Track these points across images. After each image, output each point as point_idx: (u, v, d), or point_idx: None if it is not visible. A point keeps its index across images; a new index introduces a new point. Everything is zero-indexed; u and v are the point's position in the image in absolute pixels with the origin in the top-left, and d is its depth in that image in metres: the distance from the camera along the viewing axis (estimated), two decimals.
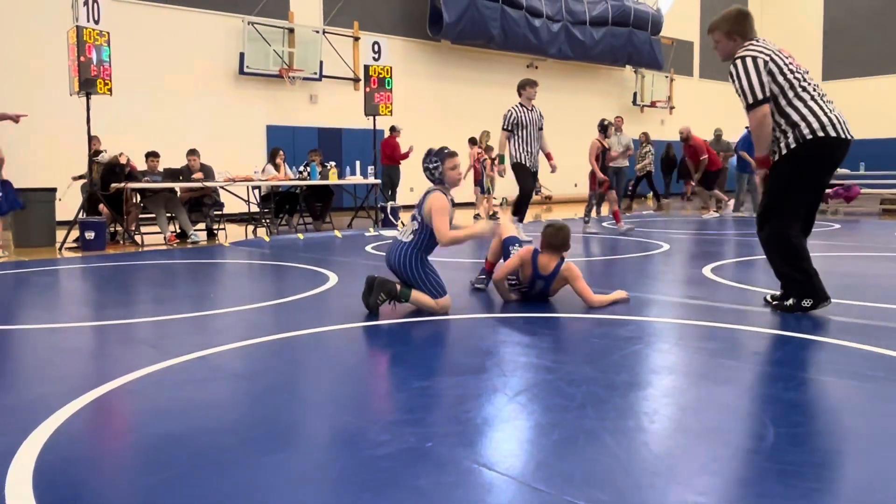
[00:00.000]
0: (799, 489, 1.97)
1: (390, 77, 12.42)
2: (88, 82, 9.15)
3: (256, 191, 11.36)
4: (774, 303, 4.51)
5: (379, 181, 12.81)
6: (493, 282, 5.03)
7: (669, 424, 2.51)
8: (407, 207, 16.85)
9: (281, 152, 11.38)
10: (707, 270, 6.22)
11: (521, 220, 9.07)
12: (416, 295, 4.53)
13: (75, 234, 9.14)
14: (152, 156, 10.21)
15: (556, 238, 4.76)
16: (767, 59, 4.19)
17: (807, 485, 1.99)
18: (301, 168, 11.29)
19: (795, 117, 4.17)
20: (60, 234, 9.38)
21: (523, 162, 8.93)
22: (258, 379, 3.20)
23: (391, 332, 4.12)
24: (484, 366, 3.29)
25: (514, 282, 4.91)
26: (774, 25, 27.90)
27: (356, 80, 17.23)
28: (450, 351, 3.74)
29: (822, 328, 4.01)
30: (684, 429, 2.47)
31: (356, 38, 17.39)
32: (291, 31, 16.34)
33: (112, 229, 9.81)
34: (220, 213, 10.83)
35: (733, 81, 4.27)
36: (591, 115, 19.09)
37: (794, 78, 4.23)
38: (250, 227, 11.09)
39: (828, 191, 15.25)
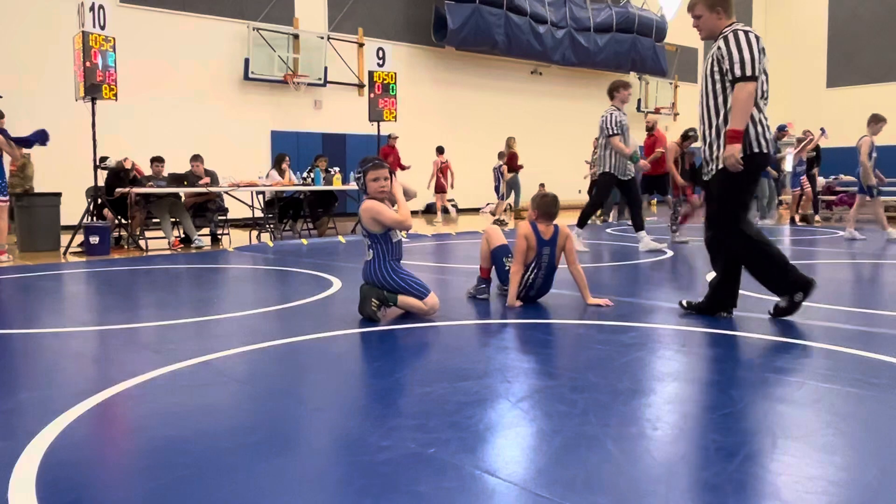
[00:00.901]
0: (804, 498, 1.96)
1: (394, 83, 12.45)
2: (94, 87, 9.19)
3: (260, 196, 11.39)
4: (770, 313, 4.47)
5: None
6: (511, 276, 5.00)
7: (672, 431, 2.51)
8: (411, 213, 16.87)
9: (287, 158, 11.42)
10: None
11: (580, 227, 8.79)
12: (403, 299, 4.57)
13: (80, 238, 9.16)
14: (157, 161, 10.24)
15: (550, 206, 5.03)
16: (762, 45, 4.20)
17: (811, 492, 1.98)
18: (305, 174, 11.31)
19: (749, 125, 4.19)
20: (65, 239, 9.40)
21: (613, 172, 8.47)
22: (260, 384, 3.20)
23: (393, 338, 4.12)
24: (486, 371, 3.28)
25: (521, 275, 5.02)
26: (779, 32, 27.92)
27: (360, 86, 17.28)
28: (452, 356, 3.74)
29: (827, 335, 4.00)
30: (687, 436, 2.46)
31: (360, 45, 17.44)
32: (296, 37, 16.40)
33: (116, 234, 9.84)
34: (224, 218, 10.85)
35: (726, 50, 4.17)
36: (594, 121, 19.11)
37: (765, 83, 4.25)
38: (254, 233, 11.11)
39: (833, 198, 15.23)
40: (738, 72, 4.14)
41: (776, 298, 4.45)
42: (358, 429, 2.54)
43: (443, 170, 15.86)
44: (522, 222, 5.11)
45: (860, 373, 3.20)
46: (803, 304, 4.35)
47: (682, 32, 24.96)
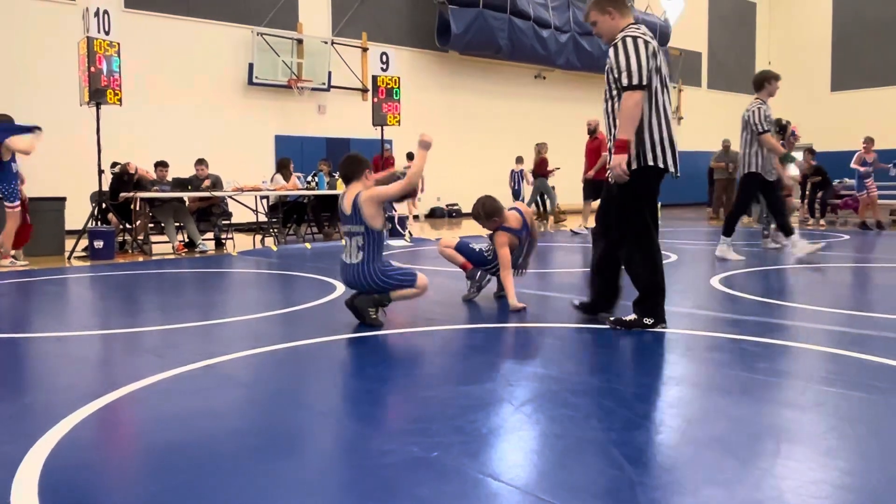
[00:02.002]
0: (809, 502, 1.95)
1: (398, 87, 12.47)
2: (98, 92, 9.22)
3: (264, 200, 11.40)
4: (611, 318, 4.36)
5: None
6: (504, 280, 5.09)
7: (676, 435, 2.50)
8: (414, 217, 16.88)
9: (290, 163, 11.45)
10: (716, 281, 6.20)
11: (728, 235, 7.96)
12: (396, 293, 4.53)
13: (84, 243, 9.18)
14: (161, 165, 10.26)
15: (493, 205, 5.14)
16: (654, 49, 4.11)
17: (815, 496, 1.98)
18: (309, 178, 11.33)
19: (645, 135, 4.10)
20: (69, 244, 9.43)
21: (760, 172, 7.75)
22: (264, 388, 3.20)
23: (396, 342, 4.12)
24: (489, 375, 3.28)
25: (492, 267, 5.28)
26: (783, 36, 27.92)
27: (364, 91, 17.30)
28: (455, 360, 3.73)
29: (831, 339, 3.99)
30: (691, 439, 2.46)
31: (364, 49, 17.47)
32: (300, 41, 16.44)
33: (121, 239, 9.86)
34: (228, 222, 10.87)
35: (615, 59, 4.08)
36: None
37: (663, 90, 4.17)
38: (258, 237, 11.12)
39: (837, 201, 15.19)
40: (625, 81, 4.04)
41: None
42: (361, 433, 2.54)
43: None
44: (497, 235, 5.14)
45: (864, 376, 3.19)
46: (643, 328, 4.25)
47: (685, 36, 24.97)
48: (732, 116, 26.44)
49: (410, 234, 11.87)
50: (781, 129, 9.76)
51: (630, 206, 4.21)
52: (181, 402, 2.95)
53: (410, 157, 16.30)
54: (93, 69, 9.15)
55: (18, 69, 12.80)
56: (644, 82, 4.01)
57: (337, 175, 11.56)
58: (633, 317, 4.25)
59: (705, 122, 25.49)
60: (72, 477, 2.20)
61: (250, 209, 11.24)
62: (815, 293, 5.86)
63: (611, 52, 4.12)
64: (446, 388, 3.11)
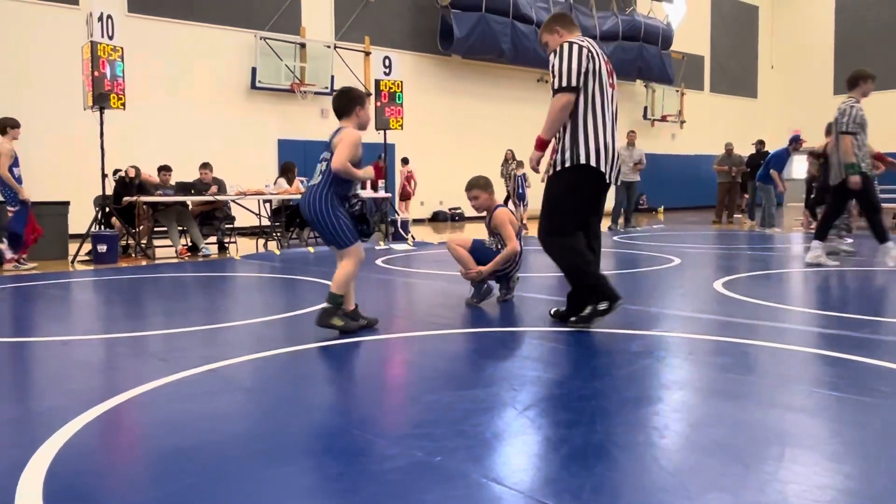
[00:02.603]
0: None
1: (401, 91, 12.48)
2: (102, 97, 9.24)
3: (267, 204, 11.42)
4: (572, 319, 4.44)
5: (389, 194, 12.87)
6: (510, 251, 5.30)
7: (679, 440, 2.50)
8: (417, 221, 16.90)
9: (294, 167, 11.46)
10: (719, 285, 6.19)
11: (822, 240, 7.55)
12: (336, 279, 4.29)
13: (88, 247, 9.20)
14: (164, 169, 10.28)
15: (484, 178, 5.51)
16: (590, 53, 4.18)
17: (819, 501, 1.97)
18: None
19: (580, 136, 4.18)
20: (73, 248, 9.44)
21: (866, 171, 7.19)
22: (267, 392, 3.20)
23: (399, 346, 4.12)
24: (492, 380, 3.28)
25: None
26: (785, 40, 27.91)
27: (367, 95, 17.30)
28: (458, 365, 3.73)
29: (836, 343, 3.98)
30: (694, 444, 2.45)
31: (367, 53, 17.50)
32: (303, 46, 16.47)
33: (124, 243, 9.88)
34: (231, 226, 10.88)
35: (552, 63, 4.22)
36: None
37: (601, 94, 4.22)
38: (261, 241, 11.13)
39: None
40: (556, 83, 4.17)
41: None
42: (365, 437, 2.54)
43: (408, 178, 16.37)
44: (500, 210, 5.40)
45: (869, 381, 3.18)
46: (602, 315, 4.34)
47: (688, 40, 24.99)
48: (735, 120, 26.52)
49: (413, 238, 11.88)
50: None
51: (559, 203, 4.33)
52: (185, 407, 2.96)
53: (405, 161, 16.41)
54: (96, 73, 9.17)
55: (22, 73, 12.83)
56: (574, 84, 4.13)
57: None
58: (588, 310, 4.36)
59: (708, 126, 25.49)
60: (76, 481, 2.20)
61: (253, 213, 11.26)
62: (819, 297, 5.85)
63: (550, 58, 4.27)
64: (450, 392, 3.11)
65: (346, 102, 4.42)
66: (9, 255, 8.18)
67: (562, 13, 4.62)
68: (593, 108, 4.19)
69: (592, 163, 4.18)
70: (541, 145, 4.25)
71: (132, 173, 9.70)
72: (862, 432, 2.55)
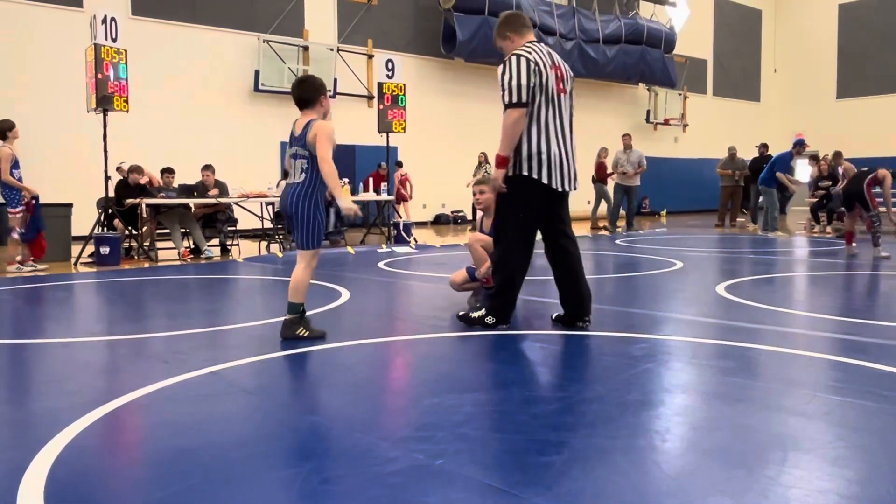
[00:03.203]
0: None
1: (404, 94, 12.48)
2: (105, 99, 9.26)
3: (270, 207, 11.42)
4: (461, 313, 4.67)
5: (392, 197, 12.88)
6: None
7: (681, 444, 2.49)
8: (419, 224, 16.90)
9: None
10: (721, 289, 6.18)
11: None
12: (294, 288, 4.22)
13: (90, 249, 9.21)
14: (167, 172, 10.29)
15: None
16: (536, 65, 4.23)
17: None
18: None
19: (523, 148, 4.26)
20: (76, 249, 9.46)
21: None
22: (269, 394, 3.20)
23: (402, 349, 4.12)
24: (494, 383, 3.28)
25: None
26: (788, 44, 27.90)
27: (370, 98, 17.33)
28: (460, 368, 3.73)
29: (839, 347, 3.97)
30: (696, 448, 2.45)
31: (370, 56, 17.51)
32: (306, 48, 16.49)
33: (127, 245, 9.88)
34: (233, 228, 10.90)
35: (500, 79, 4.28)
36: (603, 132, 19.11)
37: (547, 104, 4.28)
38: (263, 243, 11.14)
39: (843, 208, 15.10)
40: (505, 99, 4.24)
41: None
42: (366, 440, 2.54)
43: (402, 182, 16.46)
44: (474, 235, 5.31)
45: (872, 385, 3.17)
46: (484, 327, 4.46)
47: (691, 43, 24.98)
48: (738, 123, 26.50)
49: (416, 241, 11.88)
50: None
51: (506, 214, 4.44)
52: (186, 409, 2.96)
53: (399, 164, 16.47)
54: (100, 76, 9.19)
55: (26, 76, 12.86)
56: (524, 100, 4.21)
57: (345, 182, 11.59)
58: (480, 313, 4.50)
59: (710, 130, 25.46)
60: (78, 483, 2.20)
61: (256, 215, 11.27)
62: (822, 301, 5.84)
63: (498, 70, 4.32)
64: (451, 394, 3.11)
65: (313, 91, 4.34)
66: (16, 234, 8.20)
67: (512, 14, 4.59)
68: (538, 119, 4.28)
69: (535, 175, 4.28)
70: (501, 162, 4.33)
71: (123, 173, 9.67)
72: (864, 436, 2.54)
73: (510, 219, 4.42)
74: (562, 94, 4.38)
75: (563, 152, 4.35)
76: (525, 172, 4.28)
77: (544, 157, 4.27)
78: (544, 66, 4.27)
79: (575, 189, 4.49)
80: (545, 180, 4.29)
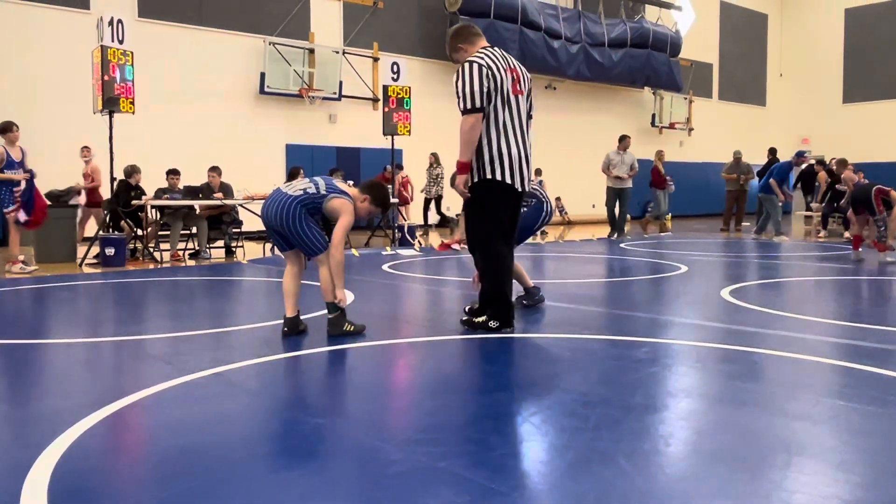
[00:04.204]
0: None
1: (409, 97, 12.50)
2: (112, 101, 9.29)
3: None
4: (465, 317, 4.66)
5: (396, 200, 12.88)
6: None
7: (685, 447, 2.49)
8: (421, 226, 16.91)
9: (301, 171, 11.48)
10: (726, 293, 6.17)
11: None
12: (324, 288, 4.42)
13: (96, 250, 9.23)
14: (173, 173, 10.32)
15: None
16: (489, 70, 4.28)
17: None
18: None
19: (485, 152, 4.32)
20: (81, 250, 9.48)
21: None
22: (272, 395, 3.20)
23: (405, 351, 4.11)
24: (498, 385, 3.27)
25: None
26: (794, 48, 27.86)
27: (375, 100, 17.35)
28: (463, 370, 3.73)
29: (844, 352, 3.96)
30: (700, 452, 2.44)
31: (375, 59, 17.54)
32: (312, 51, 16.52)
33: (132, 246, 9.91)
34: (238, 230, 10.91)
35: (455, 86, 4.35)
36: (609, 136, 19.08)
37: (504, 106, 4.33)
38: (268, 245, 11.15)
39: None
40: (460, 105, 4.31)
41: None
42: (369, 442, 2.53)
43: (404, 184, 16.55)
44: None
45: (877, 390, 3.16)
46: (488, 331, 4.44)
47: (697, 47, 24.95)
48: (743, 128, 26.46)
49: (420, 244, 11.88)
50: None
51: (474, 218, 4.49)
52: (190, 410, 2.96)
53: (400, 167, 16.47)
54: (106, 77, 9.22)
55: (32, 77, 12.90)
56: (479, 105, 4.27)
57: (349, 184, 11.59)
58: (482, 318, 4.51)
59: (716, 134, 25.43)
60: (81, 482, 2.20)
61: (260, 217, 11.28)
62: (827, 306, 5.82)
63: (454, 78, 4.40)
64: (455, 397, 3.10)
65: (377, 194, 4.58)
66: (23, 217, 8.23)
67: (461, 27, 4.73)
68: (495, 121, 4.34)
69: (498, 176, 4.33)
70: (462, 168, 4.38)
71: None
72: (869, 441, 2.53)
73: (483, 225, 4.46)
74: (518, 96, 4.43)
75: (521, 153, 4.41)
76: (489, 176, 4.34)
77: (505, 158, 4.33)
78: (498, 69, 4.33)
79: (527, 189, 4.54)
80: (508, 181, 4.35)
